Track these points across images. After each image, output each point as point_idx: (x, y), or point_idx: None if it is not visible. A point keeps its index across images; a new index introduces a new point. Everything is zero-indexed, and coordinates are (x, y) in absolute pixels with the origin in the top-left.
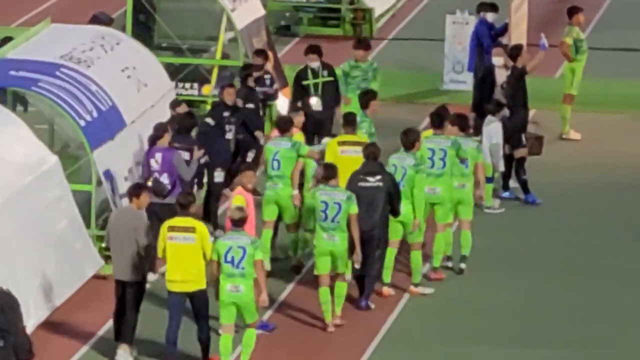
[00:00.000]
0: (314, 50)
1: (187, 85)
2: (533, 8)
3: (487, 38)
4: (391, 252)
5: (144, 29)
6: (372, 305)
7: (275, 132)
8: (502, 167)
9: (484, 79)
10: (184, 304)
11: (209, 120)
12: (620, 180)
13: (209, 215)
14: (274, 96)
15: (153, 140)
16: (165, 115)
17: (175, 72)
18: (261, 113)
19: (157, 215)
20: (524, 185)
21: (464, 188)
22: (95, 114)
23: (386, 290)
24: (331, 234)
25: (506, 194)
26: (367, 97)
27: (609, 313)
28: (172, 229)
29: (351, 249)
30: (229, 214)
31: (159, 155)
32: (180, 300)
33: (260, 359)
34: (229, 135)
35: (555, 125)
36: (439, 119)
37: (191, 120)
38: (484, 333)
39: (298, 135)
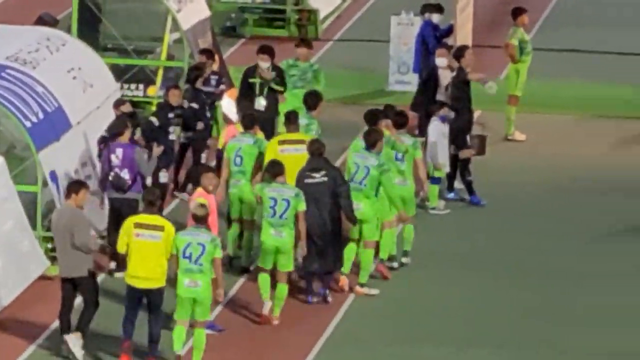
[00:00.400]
0: (266, 50)
1: (133, 86)
2: (478, 9)
3: (432, 39)
4: (370, 253)
5: (89, 30)
6: (330, 298)
7: (232, 131)
8: (447, 168)
9: (427, 80)
10: (141, 300)
11: (154, 120)
12: (565, 181)
13: None
14: (219, 97)
15: (113, 136)
16: (110, 115)
17: (120, 73)
18: (208, 114)
19: (117, 210)
20: (468, 187)
21: (405, 185)
22: (41, 115)
23: (343, 279)
24: (279, 230)
25: (451, 195)
26: (315, 98)
27: (557, 314)
28: (139, 225)
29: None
30: (192, 210)
31: (119, 151)
32: (136, 296)
33: (207, 358)
34: (173, 136)
35: (500, 126)
36: (372, 118)
37: (133, 120)
38: (430, 334)
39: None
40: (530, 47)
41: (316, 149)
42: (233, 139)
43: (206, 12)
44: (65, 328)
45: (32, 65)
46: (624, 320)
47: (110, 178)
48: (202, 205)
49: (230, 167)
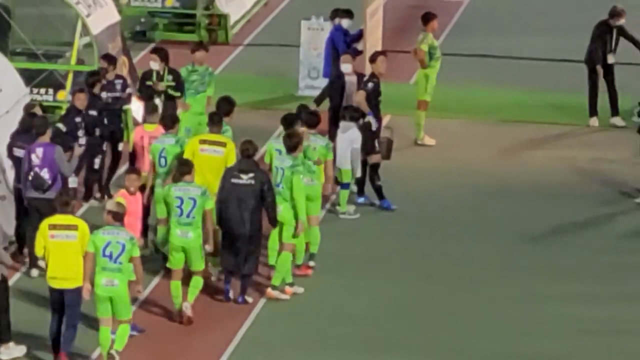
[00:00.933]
0: (157, 52)
1: (42, 90)
2: (387, 14)
3: (342, 44)
4: (287, 256)
5: None
6: (250, 299)
7: (140, 132)
8: (358, 173)
9: (332, 85)
10: (62, 300)
11: (61, 126)
12: (474, 186)
13: None
14: (126, 101)
15: (35, 136)
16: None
17: (30, 78)
18: (119, 118)
19: (37, 210)
20: (378, 191)
21: (313, 184)
22: None
23: (288, 289)
24: (185, 230)
25: (362, 200)
26: (229, 104)
27: (461, 319)
28: (53, 227)
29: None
30: (110, 208)
31: (39, 150)
32: (61, 297)
33: None
34: (82, 141)
35: (410, 131)
36: (288, 121)
37: (35, 120)
38: (339, 339)
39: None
40: (439, 53)
41: (245, 149)
42: (156, 140)
43: (116, 17)
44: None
45: None
46: (533, 325)
47: (29, 177)
48: (120, 204)
49: (156, 168)
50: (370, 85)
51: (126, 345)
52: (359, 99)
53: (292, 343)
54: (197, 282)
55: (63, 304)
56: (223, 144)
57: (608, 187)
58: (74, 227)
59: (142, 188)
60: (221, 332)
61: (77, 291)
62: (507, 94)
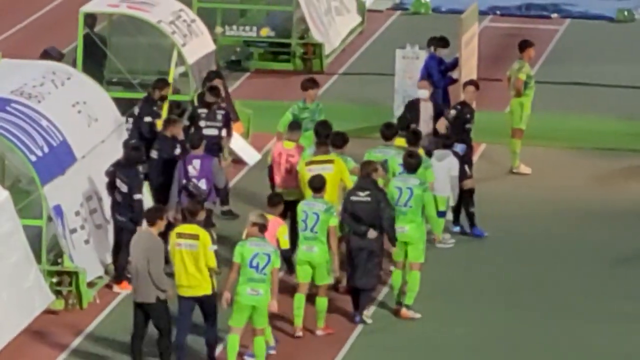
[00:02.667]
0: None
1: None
2: (483, 42)
3: (436, 72)
4: (416, 275)
5: (94, 64)
6: (369, 320)
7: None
8: (453, 201)
9: (410, 110)
10: (192, 309)
11: (154, 155)
12: (569, 213)
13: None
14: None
15: (192, 148)
16: (116, 149)
17: (126, 107)
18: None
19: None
20: (471, 218)
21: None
22: (46, 149)
23: (405, 312)
24: (310, 245)
25: (457, 228)
26: (344, 138)
27: (557, 347)
28: (179, 235)
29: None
30: (254, 220)
31: (197, 162)
32: (187, 305)
33: None
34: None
35: (506, 159)
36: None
37: (137, 153)
38: None
39: None
40: (534, 81)
41: (365, 169)
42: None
43: (211, 46)
44: (137, 356)
45: (37, 99)
46: (630, 351)
47: (190, 188)
48: (263, 215)
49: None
50: (452, 112)
51: None
52: (438, 125)
53: None
54: (321, 305)
55: (190, 312)
56: (331, 161)
57: None
58: (195, 237)
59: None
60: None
61: (207, 297)
62: (603, 121)
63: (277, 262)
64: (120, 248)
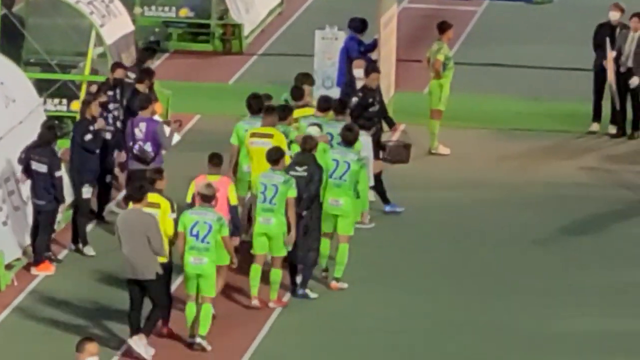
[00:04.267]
0: None
1: (56, 101)
2: (401, 24)
3: (356, 53)
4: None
5: (12, 45)
6: (313, 295)
7: None
8: (371, 182)
9: (347, 91)
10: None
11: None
12: (487, 195)
13: (77, 233)
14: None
15: (140, 109)
16: (33, 130)
17: (44, 88)
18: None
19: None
20: (382, 197)
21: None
22: None
23: (334, 284)
24: (266, 217)
25: (388, 208)
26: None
27: (476, 329)
28: None
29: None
30: (199, 190)
31: (142, 125)
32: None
33: None
34: (97, 151)
35: (424, 140)
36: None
37: (51, 132)
38: (351, 350)
39: None
40: (452, 63)
41: (304, 144)
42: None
43: (130, 27)
44: (135, 329)
45: None
46: (547, 338)
47: (134, 151)
48: (210, 185)
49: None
50: (354, 99)
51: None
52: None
53: (305, 355)
54: (276, 276)
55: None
56: (271, 136)
57: (619, 191)
58: (157, 206)
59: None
60: (235, 342)
61: (163, 266)
62: (521, 102)
63: (223, 230)
64: (39, 230)
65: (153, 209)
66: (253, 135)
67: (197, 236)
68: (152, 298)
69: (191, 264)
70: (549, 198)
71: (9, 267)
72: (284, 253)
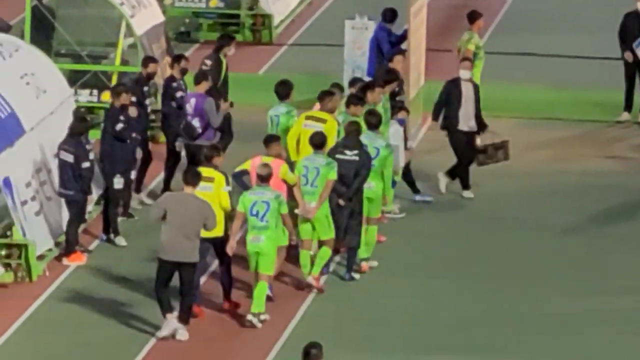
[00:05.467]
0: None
1: (87, 92)
2: (431, 14)
3: (386, 43)
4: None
5: (43, 36)
6: (357, 276)
7: None
8: (400, 171)
9: (451, 90)
10: (207, 250)
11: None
12: (518, 184)
13: (108, 223)
14: None
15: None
16: (64, 121)
17: (74, 79)
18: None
19: (192, 155)
20: (413, 185)
21: (370, 187)
22: None
23: (364, 264)
24: (308, 200)
25: (418, 197)
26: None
27: (506, 319)
28: None
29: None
30: (257, 170)
31: (192, 100)
32: (203, 246)
33: None
34: (129, 141)
35: None
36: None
37: (81, 124)
38: (385, 339)
39: None
40: (483, 52)
41: (353, 128)
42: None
43: (160, 18)
44: (166, 302)
45: None
46: (579, 324)
47: (181, 126)
48: (266, 165)
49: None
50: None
51: (166, 350)
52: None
53: (337, 344)
54: (325, 254)
55: (206, 253)
56: (324, 121)
57: None
58: (211, 180)
59: None
60: (267, 331)
61: (220, 240)
62: (552, 91)
63: (282, 208)
64: (69, 220)
65: (207, 183)
66: (308, 118)
67: (256, 215)
68: (186, 282)
69: (250, 242)
70: (580, 187)
71: (40, 257)
72: (331, 235)
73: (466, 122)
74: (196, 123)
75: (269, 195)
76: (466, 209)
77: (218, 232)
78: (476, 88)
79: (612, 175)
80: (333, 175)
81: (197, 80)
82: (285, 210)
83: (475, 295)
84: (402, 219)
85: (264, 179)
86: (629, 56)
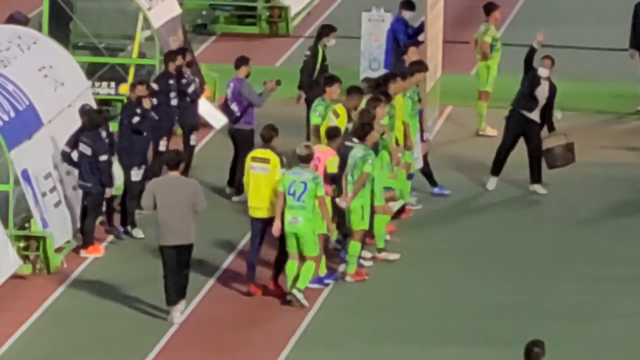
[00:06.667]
0: None
1: (104, 84)
2: (448, 5)
3: (403, 35)
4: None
5: (60, 28)
6: (367, 263)
7: None
8: (420, 164)
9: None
10: (261, 230)
11: (154, 85)
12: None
13: (126, 216)
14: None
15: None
16: None
17: (92, 71)
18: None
19: (233, 138)
20: (430, 178)
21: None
22: (12, 114)
23: (378, 255)
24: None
25: (436, 190)
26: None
27: (523, 310)
28: (254, 159)
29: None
30: (297, 151)
31: (231, 85)
32: (257, 226)
33: (175, 356)
34: (174, 102)
35: (472, 122)
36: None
37: (100, 116)
38: (401, 331)
39: None
40: (500, 44)
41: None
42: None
43: (177, 10)
44: (172, 293)
45: (3, 64)
46: (594, 315)
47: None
48: (307, 146)
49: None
50: None
51: (183, 341)
52: None
53: (354, 335)
54: (354, 248)
55: (260, 232)
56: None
57: None
58: (267, 161)
59: None
60: (284, 323)
61: (267, 221)
62: (569, 83)
63: (319, 190)
64: (87, 212)
65: (264, 164)
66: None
67: (293, 195)
68: (186, 264)
69: (289, 222)
70: (595, 178)
71: (59, 250)
72: (365, 226)
73: (538, 118)
74: (234, 107)
75: (307, 176)
76: (482, 201)
77: (272, 212)
78: (552, 87)
79: (627, 166)
80: (368, 168)
81: (237, 64)
82: (321, 192)
83: (490, 287)
84: (418, 211)
85: (305, 159)
86: (632, 54)
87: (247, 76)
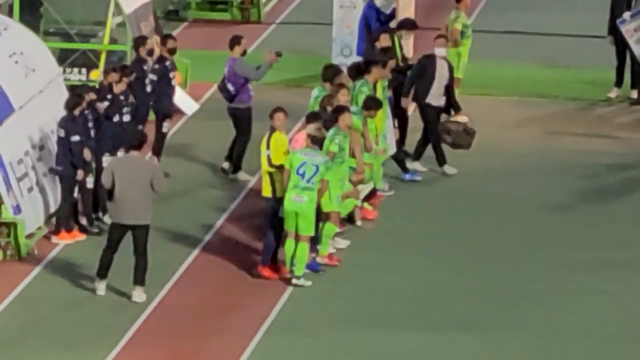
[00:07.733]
0: None
1: (76, 70)
2: None
3: (375, 22)
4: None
5: (31, 14)
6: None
7: None
8: (393, 150)
9: (426, 66)
10: (272, 209)
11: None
12: (505, 162)
13: (98, 202)
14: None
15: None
16: (53, 100)
17: (63, 58)
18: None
19: (233, 116)
20: (402, 164)
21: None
22: None
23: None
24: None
25: (407, 176)
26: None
27: (495, 294)
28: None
29: None
30: (309, 132)
31: (227, 65)
32: (268, 206)
33: (148, 342)
34: (149, 89)
35: None
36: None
37: (74, 98)
38: (372, 316)
39: None
40: (470, 31)
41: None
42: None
43: None
44: (105, 267)
45: None
46: (565, 299)
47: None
48: (320, 129)
49: None
50: None
51: (156, 328)
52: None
53: (327, 321)
54: (329, 231)
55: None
56: None
57: (637, 158)
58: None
59: None
60: (257, 309)
61: (266, 200)
62: (539, 70)
63: (326, 175)
64: (60, 198)
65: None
66: None
67: (303, 176)
68: (140, 244)
69: (291, 200)
70: (568, 164)
71: (30, 236)
72: (335, 207)
73: (436, 99)
74: (230, 87)
75: (320, 160)
76: (453, 187)
77: (266, 192)
78: (450, 67)
79: (601, 153)
80: (334, 148)
81: (230, 45)
82: (327, 176)
83: (462, 272)
84: (390, 197)
85: (316, 140)
86: (610, 40)
87: (243, 54)
